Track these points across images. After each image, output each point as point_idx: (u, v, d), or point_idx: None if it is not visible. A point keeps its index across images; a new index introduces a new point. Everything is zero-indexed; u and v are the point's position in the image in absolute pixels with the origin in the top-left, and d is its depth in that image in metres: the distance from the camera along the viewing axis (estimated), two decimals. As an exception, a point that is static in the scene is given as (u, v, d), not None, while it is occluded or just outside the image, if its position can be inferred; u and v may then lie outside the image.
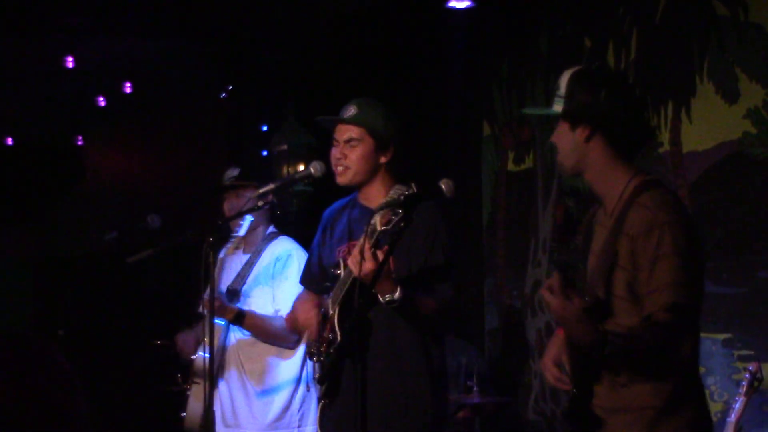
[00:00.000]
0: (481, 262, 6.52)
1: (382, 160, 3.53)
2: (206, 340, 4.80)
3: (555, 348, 2.97)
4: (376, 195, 3.50)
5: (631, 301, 2.71)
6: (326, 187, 4.01)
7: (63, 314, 9.43)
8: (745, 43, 4.53)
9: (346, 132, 3.55)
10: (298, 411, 4.70)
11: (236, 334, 4.73)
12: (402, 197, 3.06)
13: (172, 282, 4.77)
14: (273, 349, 4.70)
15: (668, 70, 4.98)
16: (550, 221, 5.83)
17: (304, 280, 3.94)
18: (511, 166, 6.29)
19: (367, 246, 3.14)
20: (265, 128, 7.69)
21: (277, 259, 4.71)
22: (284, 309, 4.64)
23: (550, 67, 5.88)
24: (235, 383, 4.73)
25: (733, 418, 3.77)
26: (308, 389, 4.63)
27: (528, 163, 6.14)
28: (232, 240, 4.80)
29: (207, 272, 3.83)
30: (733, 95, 4.58)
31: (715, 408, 4.50)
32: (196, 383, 4.82)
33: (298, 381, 4.71)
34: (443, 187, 3.10)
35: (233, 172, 4.82)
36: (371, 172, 3.54)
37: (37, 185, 9.76)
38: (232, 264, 4.87)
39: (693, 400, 2.76)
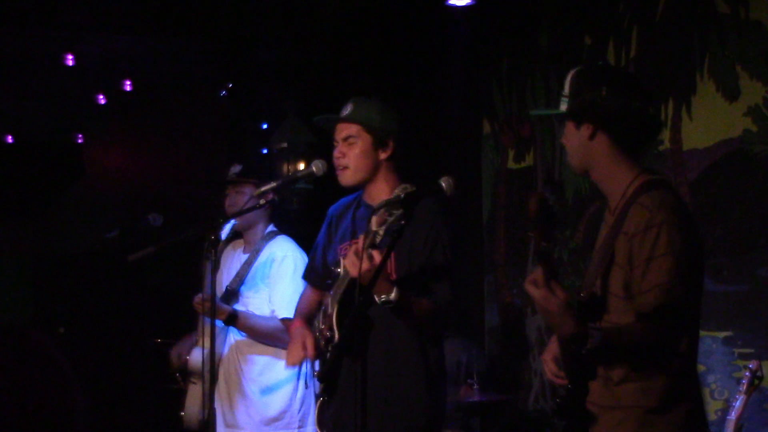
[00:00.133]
0: (481, 259, 6.52)
1: (382, 156, 3.51)
2: (202, 339, 4.84)
3: (555, 344, 2.97)
4: (379, 193, 3.49)
5: (627, 299, 2.71)
6: (326, 186, 4.01)
7: (63, 312, 9.46)
8: (745, 41, 4.53)
9: (343, 130, 3.55)
10: (299, 411, 4.70)
11: (235, 335, 4.73)
12: (402, 196, 3.06)
13: (173, 280, 4.76)
14: (270, 349, 4.70)
15: (669, 67, 4.98)
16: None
17: (306, 276, 3.93)
18: (511, 164, 6.29)
19: (360, 246, 3.14)
20: (265, 126, 7.69)
21: (273, 260, 4.71)
22: (280, 309, 4.65)
23: (550, 64, 5.88)
24: (233, 383, 4.73)
25: (733, 416, 3.77)
26: (306, 386, 4.63)
27: (528, 160, 6.13)
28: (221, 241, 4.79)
29: (209, 271, 3.84)
30: (734, 93, 4.58)
31: (715, 406, 4.51)
32: (193, 383, 4.83)
33: (297, 380, 4.70)
34: (443, 185, 3.09)
35: (235, 169, 4.82)
36: (371, 170, 3.52)
37: (38, 183, 9.77)
38: (232, 263, 4.87)
39: (687, 399, 2.75)
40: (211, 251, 3.84)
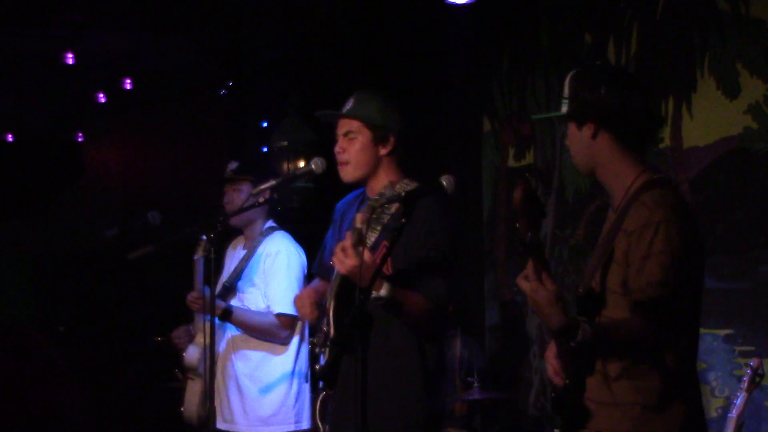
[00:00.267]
0: (481, 257, 6.52)
1: (382, 152, 3.50)
2: (198, 336, 4.85)
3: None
4: (380, 188, 3.49)
5: (624, 296, 2.71)
6: (327, 184, 4.00)
7: (63, 310, 9.46)
8: (746, 38, 4.52)
9: (344, 126, 3.54)
10: (294, 406, 4.70)
11: (231, 330, 4.74)
12: (403, 194, 3.06)
13: (173, 278, 4.76)
14: (265, 344, 4.70)
15: (669, 65, 4.98)
16: (551, 216, 5.84)
17: (316, 271, 3.95)
18: (511, 162, 6.29)
19: (348, 243, 3.14)
20: (265, 124, 7.69)
21: (267, 256, 4.72)
22: (274, 305, 4.66)
23: (551, 62, 5.87)
24: (229, 379, 4.74)
25: (734, 413, 3.76)
26: (307, 380, 4.64)
27: (528, 158, 6.13)
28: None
29: (208, 268, 3.84)
30: (734, 90, 4.58)
31: (716, 404, 4.50)
32: (191, 379, 4.84)
33: (292, 376, 4.71)
34: (444, 182, 3.08)
35: (232, 166, 4.83)
36: (372, 165, 3.51)
37: (38, 181, 9.77)
38: (233, 260, 4.89)
39: (685, 398, 2.74)
40: (210, 249, 3.84)
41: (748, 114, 4.50)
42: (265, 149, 7.40)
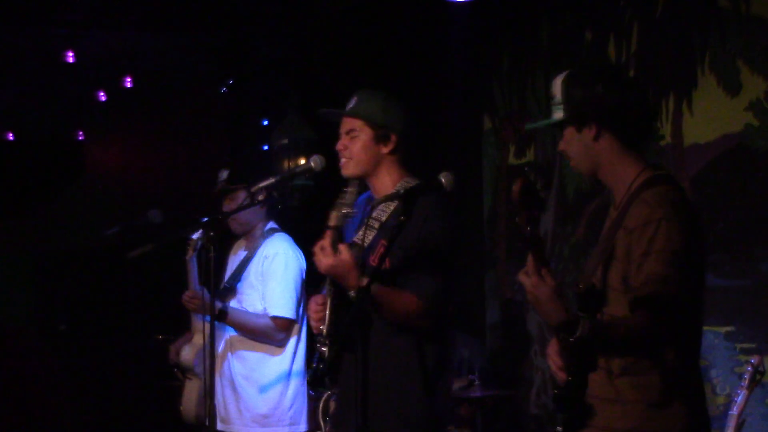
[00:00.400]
0: (482, 255, 6.52)
1: (384, 150, 3.50)
2: (196, 336, 4.86)
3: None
4: (381, 187, 3.48)
5: (625, 292, 2.71)
6: (327, 182, 4.00)
7: (64, 309, 9.46)
8: (746, 35, 4.52)
9: (347, 124, 3.54)
10: (289, 408, 4.70)
11: (229, 331, 4.75)
12: (402, 192, 3.05)
13: (174, 277, 4.76)
14: (262, 345, 4.71)
15: (670, 62, 4.97)
16: (552, 213, 5.84)
17: None
18: (512, 160, 6.28)
19: (326, 242, 3.15)
20: (265, 123, 7.69)
21: (266, 257, 4.73)
22: (270, 307, 4.66)
23: (551, 60, 5.87)
24: (226, 379, 4.74)
25: (735, 411, 3.76)
26: (310, 379, 4.64)
27: (529, 156, 6.13)
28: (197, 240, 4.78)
29: (208, 267, 3.84)
30: (735, 87, 4.57)
31: (717, 401, 4.50)
32: (190, 378, 4.85)
33: (288, 377, 4.71)
34: (443, 180, 3.08)
35: (223, 176, 4.81)
36: (373, 163, 3.51)
37: (38, 180, 9.77)
38: (234, 261, 4.89)
39: (688, 395, 2.74)
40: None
41: (749, 111, 4.50)
42: (265, 147, 7.40)
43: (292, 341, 4.73)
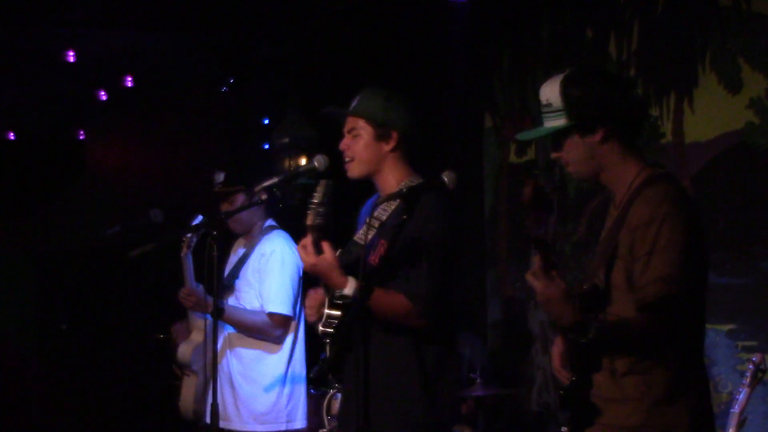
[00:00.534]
0: (483, 254, 6.51)
1: (385, 148, 3.49)
2: (194, 333, 4.87)
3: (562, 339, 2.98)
4: (386, 186, 3.48)
5: (629, 291, 2.71)
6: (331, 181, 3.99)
7: (65, 308, 9.46)
8: (747, 33, 4.52)
9: (349, 123, 3.55)
10: (287, 406, 4.71)
11: (228, 329, 4.76)
12: (404, 190, 3.05)
13: (174, 276, 4.76)
14: (260, 343, 4.71)
15: (670, 60, 4.97)
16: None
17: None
18: (513, 158, 6.28)
19: (308, 241, 3.17)
20: (266, 121, 7.69)
21: (263, 255, 4.74)
22: (267, 304, 4.66)
23: (552, 58, 5.86)
24: (224, 376, 4.74)
25: (736, 409, 3.76)
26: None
27: (530, 154, 6.13)
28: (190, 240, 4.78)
29: (211, 265, 3.84)
30: (736, 85, 4.57)
31: (719, 399, 4.50)
32: (188, 375, 4.86)
33: (286, 375, 4.72)
34: (445, 179, 3.08)
35: (219, 178, 4.80)
36: (375, 162, 3.50)
37: (39, 179, 9.76)
38: (233, 259, 4.90)
39: (693, 391, 2.76)
40: (213, 246, 3.84)
41: (750, 109, 4.50)
42: (266, 146, 7.40)
43: (290, 338, 4.74)
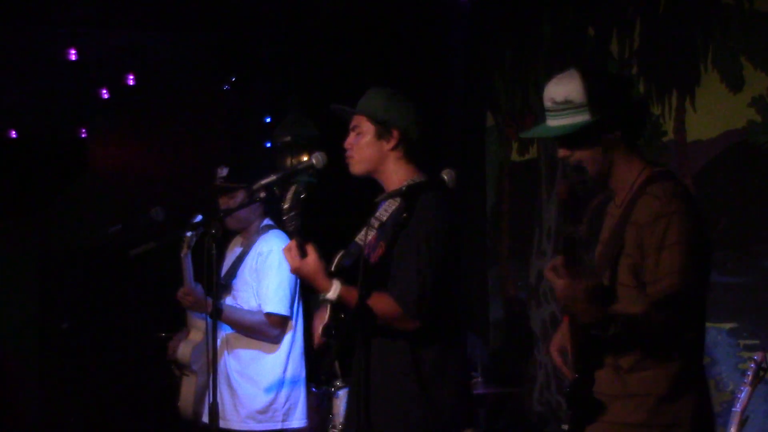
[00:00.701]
0: (485, 252, 6.51)
1: (386, 146, 3.48)
2: (192, 333, 4.86)
3: (560, 335, 2.97)
4: (389, 185, 3.47)
5: (636, 288, 2.72)
6: (329, 179, 3.99)
7: (67, 307, 9.46)
8: (749, 32, 4.51)
9: (354, 121, 3.55)
10: (284, 405, 4.71)
11: (226, 329, 4.75)
12: (404, 189, 3.05)
13: (175, 275, 4.76)
14: (257, 342, 4.71)
15: (672, 59, 4.97)
16: (553, 210, 5.83)
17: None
18: (514, 156, 6.28)
19: (293, 244, 3.18)
20: (268, 120, 7.69)
21: (260, 254, 4.73)
22: (264, 304, 4.66)
23: (554, 56, 5.86)
24: (222, 376, 4.74)
25: (738, 407, 3.75)
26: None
27: (532, 153, 6.12)
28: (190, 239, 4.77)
29: (210, 264, 3.84)
30: (738, 84, 4.56)
31: (720, 398, 4.49)
32: (187, 375, 4.85)
33: (284, 374, 4.72)
34: (445, 177, 3.07)
35: (222, 172, 4.80)
36: (376, 160, 3.50)
37: (41, 178, 9.77)
38: (230, 258, 4.90)
39: (696, 388, 2.77)
40: (212, 245, 3.83)
41: (752, 107, 4.49)
42: (268, 144, 7.40)
43: (287, 338, 4.74)
